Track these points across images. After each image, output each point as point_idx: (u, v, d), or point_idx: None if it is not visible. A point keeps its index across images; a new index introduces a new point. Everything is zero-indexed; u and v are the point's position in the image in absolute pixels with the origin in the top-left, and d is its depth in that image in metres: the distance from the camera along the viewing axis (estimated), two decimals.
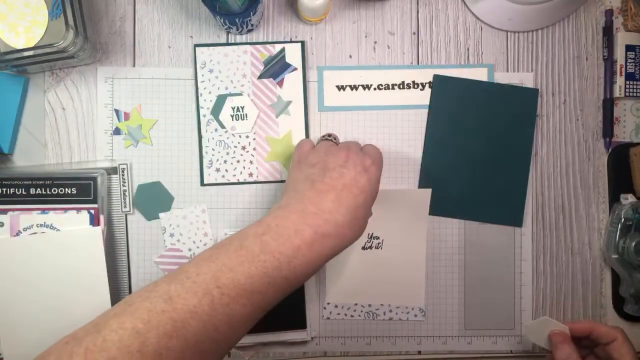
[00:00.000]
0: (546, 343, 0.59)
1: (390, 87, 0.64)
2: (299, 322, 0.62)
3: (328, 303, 0.63)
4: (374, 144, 0.55)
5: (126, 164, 0.62)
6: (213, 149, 0.63)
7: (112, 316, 0.39)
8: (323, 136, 0.59)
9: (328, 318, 0.63)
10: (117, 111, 0.62)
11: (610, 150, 0.64)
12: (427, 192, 0.62)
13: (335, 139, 0.58)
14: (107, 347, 0.37)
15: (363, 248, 0.62)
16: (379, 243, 0.62)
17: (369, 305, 0.63)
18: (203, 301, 0.40)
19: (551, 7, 0.62)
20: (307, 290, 0.61)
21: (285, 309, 0.61)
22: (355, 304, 0.63)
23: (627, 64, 0.64)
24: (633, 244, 0.61)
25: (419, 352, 0.64)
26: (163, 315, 0.39)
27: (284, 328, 0.61)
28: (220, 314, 0.40)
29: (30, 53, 0.56)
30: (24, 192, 0.59)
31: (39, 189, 0.59)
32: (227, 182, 0.63)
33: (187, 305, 0.40)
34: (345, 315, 0.63)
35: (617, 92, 0.64)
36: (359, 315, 0.63)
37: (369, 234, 0.62)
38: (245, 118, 0.63)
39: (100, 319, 0.40)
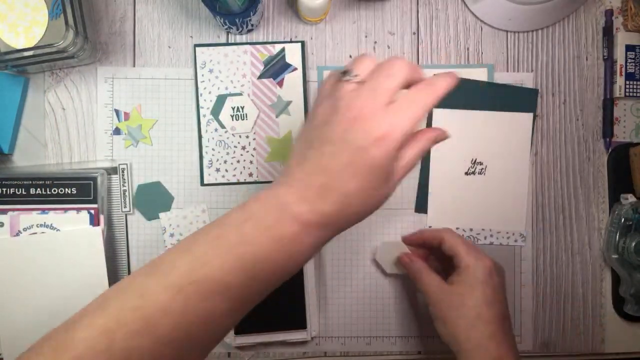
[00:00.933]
0: (393, 268, 0.61)
1: None
2: (299, 322, 0.61)
3: (430, 226, 0.63)
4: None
5: (126, 164, 0.62)
6: (213, 149, 0.63)
7: (85, 313, 0.38)
8: (341, 71, 0.41)
9: None
10: (117, 111, 0.62)
11: (610, 150, 0.64)
12: (529, 117, 0.63)
13: (359, 78, 0.40)
14: (75, 346, 0.36)
15: (466, 174, 0.63)
16: (482, 169, 0.63)
17: (470, 230, 0.64)
18: (176, 298, 0.37)
19: (551, 7, 0.62)
20: (307, 291, 0.61)
21: (285, 309, 0.61)
22: (457, 228, 0.63)
23: (627, 64, 0.64)
24: (633, 244, 0.61)
25: (419, 352, 0.64)
26: (134, 313, 0.37)
27: (284, 328, 0.61)
28: (193, 312, 0.38)
29: (30, 53, 0.56)
30: (24, 192, 0.59)
31: (39, 189, 0.59)
32: (227, 182, 0.63)
33: (159, 302, 0.37)
34: None
35: (617, 92, 0.64)
36: None
37: (472, 160, 0.63)
38: (245, 118, 0.63)
39: (75, 315, 0.39)
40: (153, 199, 0.62)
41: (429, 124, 0.63)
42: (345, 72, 0.40)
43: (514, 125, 0.63)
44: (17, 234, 0.59)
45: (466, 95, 0.63)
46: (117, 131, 0.62)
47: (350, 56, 0.64)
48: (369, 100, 0.39)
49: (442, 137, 0.44)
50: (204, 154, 0.63)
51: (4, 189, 0.59)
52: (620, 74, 0.63)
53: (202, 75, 0.62)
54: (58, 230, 0.59)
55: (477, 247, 0.55)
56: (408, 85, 0.41)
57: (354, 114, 0.38)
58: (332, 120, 0.39)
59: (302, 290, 0.61)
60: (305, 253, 0.40)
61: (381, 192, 0.40)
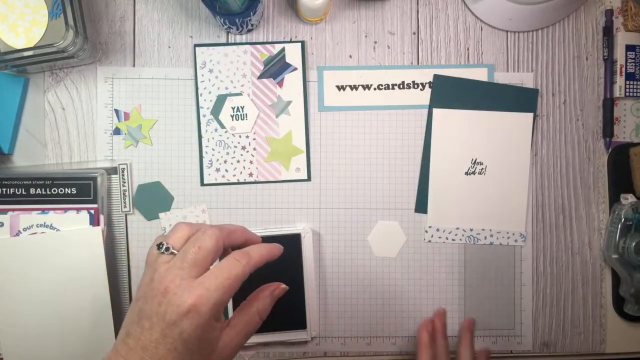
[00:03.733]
0: (381, 251, 0.63)
1: (390, 87, 0.64)
2: (299, 322, 0.62)
3: (430, 226, 0.63)
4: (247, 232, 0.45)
5: (126, 164, 0.62)
6: (213, 149, 0.63)
7: None
8: (157, 244, 0.42)
9: (429, 241, 0.63)
10: (117, 111, 0.62)
11: (610, 150, 0.64)
12: (529, 117, 0.63)
13: (170, 250, 0.41)
14: None
15: (466, 173, 0.63)
16: (482, 169, 0.63)
17: (471, 230, 0.63)
18: None
19: (551, 7, 0.62)
20: (307, 290, 0.61)
21: (285, 309, 0.61)
22: (457, 228, 0.63)
23: (627, 64, 0.63)
24: (633, 244, 0.61)
25: None
26: None
27: (284, 328, 0.61)
28: None
29: (30, 53, 0.56)
30: (24, 192, 0.59)
31: (39, 189, 0.59)
32: (227, 182, 0.63)
33: None
34: (447, 239, 0.63)
35: (617, 92, 0.64)
36: (460, 239, 0.63)
37: (472, 160, 0.63)
38: (245, 118, 0.63)
39: None
40: (153, 199, 0.62)
41: (429, 124, 0.63)
42: (160, 245, 0.41)
43: (514, 125, 0.63)
44: (17, 234, 0.59)
45: (466, 95, 0.63)
46: (117, 131, 0.62)
47: (350, 56, 0.64)
48: (177, 272, 0.39)
49: (280, 292, 0.47)
50: (204, 154, 0.63)
51: (4, 189, 0.59)
52: (620, 74, 0.63)
53: (202, 75, 0.62)
54: (58, 230, 0.59)
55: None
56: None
57: (164, 287, 0.39)
58: (149, 293, 0.40)
59: (302, 290, 0.61)
60: None
61: None
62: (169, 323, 0.38)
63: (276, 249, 0.45)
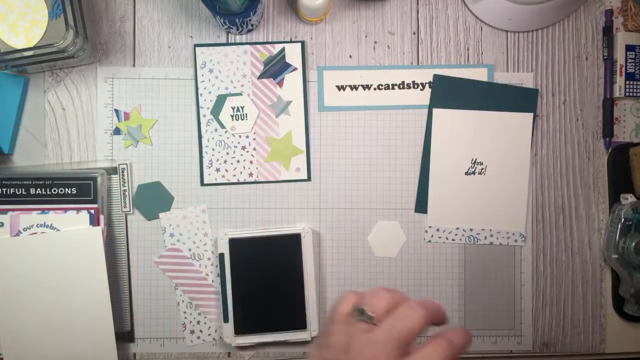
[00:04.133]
0: (380, 251, 0.61)
1: (390, 87, 0.64)
2: (299, 322, 0.61)
3: (430, 226, 0.63)
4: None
5: (126, 164, 0.62)
6: (213, 149, 0.63)
7: None
8: (357, 308, 0.39)
9: (429, 241, 0.63)
10: (117, 111, 0.62)
11: (610, 150, 0.64)
12: (529, 117, 0.63)
13: (371, 319, 0.38)
14: None
15: (466, 174, 0.63)
16: (482, 169, 0.63)
17: (470, 230, 0.64)
18: None
19: (551, 7, 0.62)
20: (307, 290, 0.61)
21: (285, 309, 0.61)
22: (457, 228, 0.63)
23: (627, 64, 0.63)
24: (633, 244, 0.61)
25: None
26: None
27: (284, 328, 0.61)
28: None
29: (30, 53, 0.56)
30: (24, 192, 0.59)
31: (39, 189, 0.59)
32: (227, 182, 0.63)
33: None
34: (447, 239, 0.63)
35: (617, 92, 0.64)
36: (460, 239, 0.63)
37: (472, 160, 0.63)
38: (245, 118, 0.63)
39: None
40: (153, 199, 0.62)
41: (429, 124, 0.63)
42: (360, 311, 0.39)
43: (514, 125, 0.63)
44: (17, 234, 0.59)
45: (466, 95, 0.63)
46: (117, 131, 0.62)
47: (350, 56, 0.64)
48: (383, 349, 0.37)
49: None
50: (204, 154, 0.63)
51: (4, 189, 0.59)
52: (620, 74, 0.63)
53: (202, 75, 0.62)
54: (58, 230, 0.59)
55: None
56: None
57: None
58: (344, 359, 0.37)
59: (302, 290, 0.61)
60: None
61: None
62: None
63: (469, 336, 0.40)
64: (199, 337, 0.62)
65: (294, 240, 0.61)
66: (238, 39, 0.63)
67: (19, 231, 0.59)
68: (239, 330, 0.60)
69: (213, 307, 0.62)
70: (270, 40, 0.63)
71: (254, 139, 0.63)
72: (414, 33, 0.64)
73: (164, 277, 0.62)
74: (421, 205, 0.63)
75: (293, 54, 0.63)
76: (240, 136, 0.63)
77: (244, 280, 0.61)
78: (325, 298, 0.63)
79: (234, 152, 0.63)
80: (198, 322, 0.62)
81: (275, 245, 0.61)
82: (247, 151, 0.63)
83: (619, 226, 0.62)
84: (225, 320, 0.60)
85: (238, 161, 0.63)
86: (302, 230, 0.61)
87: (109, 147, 0.62)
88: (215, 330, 0.62)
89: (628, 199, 0.62)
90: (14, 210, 0.59)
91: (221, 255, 0.60)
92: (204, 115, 0.62)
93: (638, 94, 0.64)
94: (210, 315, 0.62)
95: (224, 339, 0.61)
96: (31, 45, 0.56)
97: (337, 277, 0.63)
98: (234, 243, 0.61)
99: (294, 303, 0.61)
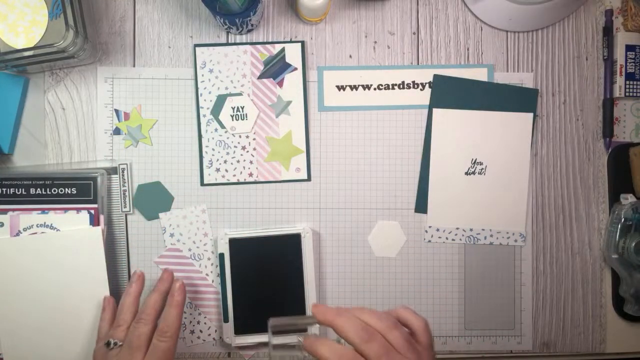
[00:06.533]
0: (380, 251, 0.63)
1: (390, 87, 0.64)
2: None
3: (430, 226, 0.63)
4: None
5: (126, 164, 0.62)
6: (213, 149, 0.63)
7: None
8: (106, 342, 0.54)
9: (429, 241, 0.63)
10: (117, 111, 0.62)
11: (610, 150, 0.64)
12: (529, 117, 0.63)
13: (118, 344, 0.53)
14: None
15: (466, 174, 0.63)
16: (482, 169, 0.63)
17: (470, 230, 0.63)
18: None
19: (551, 7, 0.62)
20: (307, 290, 0.61)
21: (285, 309, 0.61)
22: (457, 228, 0.63)
23: (627, 64, 0.64)
24: (633, 244, 0.61)
25: None
26: None
27: None
28: None
29: (30, 53, 0.56)
30: (24, 192, 0.59)
31: (39, 189, 0.59)
32: (227, 182, 0.63)
33: None
34: (447, 239, 0.63)
35: (617, 92, 0.64)
36: (460, 239, 0.63)
37: (472, 160, 0.63)
38: (245, 118, 0.63)
39: None
40: (153, 199, 0.62)
41: (429, 124, 0.63)
42: (108, 343, 0.53)
43: (514, 125, 0.63)
44: (17, 234, 0.59)
45: (466, 95, 0.63)
46: (117, 131, 0.62)
47: (350, 56, 0.64)
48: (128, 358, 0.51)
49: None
50: (204, 154, 0.63)
51: (4, 189, 0.59)
52: (620, 74, 0.63)
53: (202, 75, 0.62)
54: (58, 230, 0.59)
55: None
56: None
57: None
58: None
59: (302, 290, 0.61)
60: None
61: None
62: None
63: (179, 295, 0.54)
64: (199, 337, 0.62)
65: (294, 241, 0.61)
66: (238, 39, 0.63)
67: (19, 231, 0.59)
68: (239, 330, 0.60)
69: (213, 307, 0.62)
70: (270, 40, 0.63)
71: (254, 139, 0.63)
72: (414, 33, 0.64)
73: None
74: (421, 205, 0.63)
75: (293, 54, 0.63)
76: (240, 136, 0.63)
77: (244, 280, 0.61)
78: (325, 298, 0.63)
79: (234, 152, 0.63)
80: (198, 322, 0.62)
81: (276, 245, 0.61)
82: (247, 151, 0.63)
83: (619, 226, 0.62)
84: (225, 320, 0.60)
85: (238, 161, 0.63)
86: (302, 230, 0.61)
87: (109, 147, 0.62)
88: (215, 330, 0.62)
89: (628, 199, 0.62)
90: (14, 210, 0.59)
91: (221, 255, 0.60)
92: (204, 115, 0.62)
93: (638, 94, 0.64)
94: (210, 315, 0.62)
95: (224, 339, 0.61)
96: (31, 45, 0.56)
97: (337, 277, 0.63)
98: (234, 243, 0.61)
99: (294, 303, 0.61)
